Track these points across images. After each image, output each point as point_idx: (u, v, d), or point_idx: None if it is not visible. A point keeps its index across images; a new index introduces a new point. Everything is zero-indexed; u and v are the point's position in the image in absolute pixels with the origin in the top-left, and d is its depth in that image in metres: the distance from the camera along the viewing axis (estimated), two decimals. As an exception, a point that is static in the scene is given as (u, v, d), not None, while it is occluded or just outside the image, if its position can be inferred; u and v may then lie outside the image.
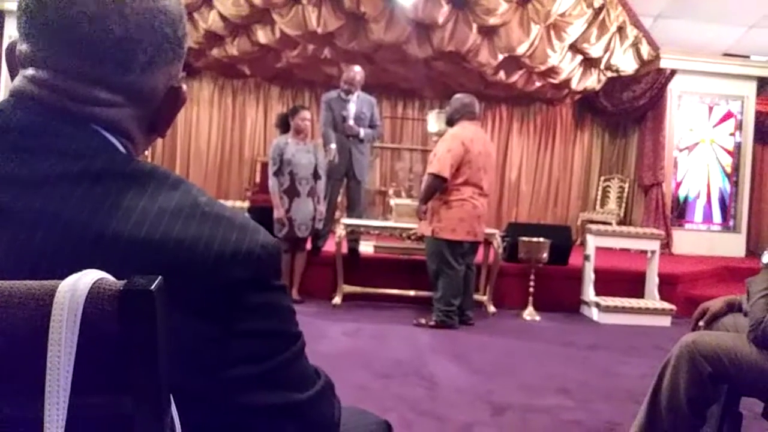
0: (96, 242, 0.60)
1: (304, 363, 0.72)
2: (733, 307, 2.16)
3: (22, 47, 0.70)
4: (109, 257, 0.59)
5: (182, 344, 0.59)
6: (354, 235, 5.43)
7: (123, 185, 0.64)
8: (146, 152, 8.63)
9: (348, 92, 5.45)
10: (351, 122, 5.41)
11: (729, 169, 8.44)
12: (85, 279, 0.52)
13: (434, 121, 5.50)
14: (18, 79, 0.69)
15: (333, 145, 5.32)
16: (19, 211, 0.61)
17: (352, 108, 5.46)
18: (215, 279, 0.62)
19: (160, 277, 0.53)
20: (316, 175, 5.08)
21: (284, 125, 5.18)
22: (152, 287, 0.52)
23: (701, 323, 2.22)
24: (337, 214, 5.91)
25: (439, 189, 4.49)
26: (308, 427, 0.71)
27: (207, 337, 0.62)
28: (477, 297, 5.10)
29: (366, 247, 5.74)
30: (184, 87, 0.78)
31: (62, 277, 0.53)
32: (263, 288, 0.66)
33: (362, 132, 5.46)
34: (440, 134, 4.96)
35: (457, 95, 4.79)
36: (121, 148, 0.70)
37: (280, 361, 0.67)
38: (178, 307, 0.58)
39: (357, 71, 5.54)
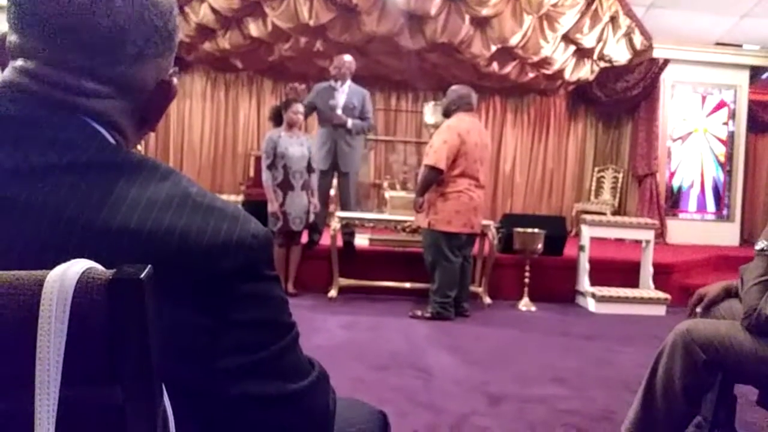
0: (86, 232, 0.59)
1: (298, 353, 0.72)
2: (730, 293, 2.17)
3: (12, 38, 0.70)
4: (99, 247, 0.58)
5: (175, 335, 0.58)
6: (349, 228, 5.40)
7: (113, 175, 0.64)
8: (139, 147, 8.63)
9: (337, 79, 5.40)
10: (339, 111, 5.35)
11: (722, 159, 8.46)
12: (73, 268, 0.52)
13: (431, 113, 5.48)
14: (8, 70, 0.69)
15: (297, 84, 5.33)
16: (7, 202, 0.60)
17: (341, 98, 5.39)
18: (207, 269, 0.62)
19: (149, 266, 0.53)
20: (309, 169, 5.07)
21: (278, 118, 5.15)
22: (141, 276, 0.51)
23: (698, 309, 2.23)
24: (331, 207, 5.87)
25: (435, 181, 4.48)
26: (303, 416, 0.71)
27: (199, 327, 0.61)
28: (472, 288, 5.10)
29: (361, 240, 5.73)
30: (175, 81, 0.77)
31: (52, 267, 0.53)
32: (255, 278, 0.66)
33: (350, 122, 5.36)
34: (437, 126, 4.94)
35: (454, 87, 4.77)
36: (111, 139, 0.70)
37: (273, 350, 0.67)
38: (170, 297, 0.58)
39: (347, 59, 5.49)
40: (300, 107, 5.04)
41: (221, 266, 0.62)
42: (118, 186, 0.63)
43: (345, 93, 5.41)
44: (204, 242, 0.62)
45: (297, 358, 0.72)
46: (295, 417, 0.70)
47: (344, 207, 5.53)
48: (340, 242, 5.28)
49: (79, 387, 0.52)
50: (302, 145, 5.03)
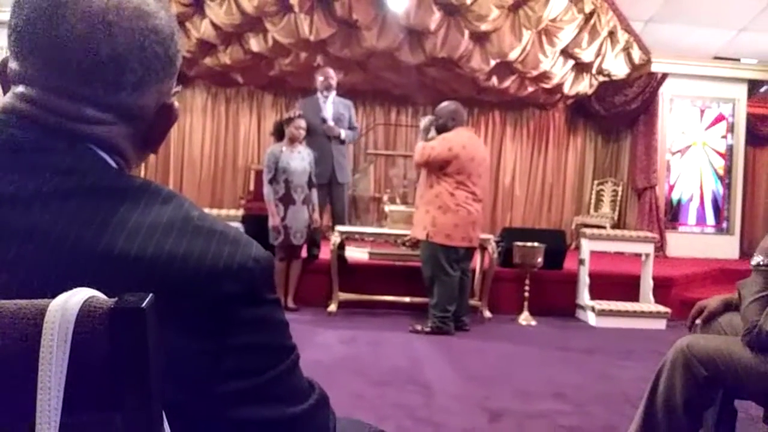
0: (88, 258, 0.60)
1: (299, 376, 0.72)
2: (729, 306, 2.17)
3: (12, 65, 0.70)
4: (101, 273, 0.59)
5: (175, 359, 0.59)
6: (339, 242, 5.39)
7: (114, 200, 0.64)
8: (140, 162, 8.60)
9: (328, 88, 5.46)
10: (331, 123, 5.40)
11: (721, 172, 8.48)
12: (75, 297, 0.52)
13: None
14: (8, 96, 0.69)
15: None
16: (10, 227, 0.61)
17: (329, 108, 5.46)
18: (208, 294, 0.62)
19: (151, 294, 0.53)
20: (310, 183, 5.08)
21: (280, 133, 5.17)
22: (143, 305, 0.51)
23: (698, 322, 2.23)
24: (326, 218, 5.88)
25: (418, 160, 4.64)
26: None
27: (200, 351, 0.62)
28: (472, 302, 5.10)
29: (360, 254, 5.72)
30: (176, 104, 0.78)
31: (54, 293, 0.53)
32: (256, 302, 0.66)
33: (343, 133, 5.45)
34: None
35: (444, 103, 4.82)
36: (113, 164, 0.70)
37: (274, 375, 0.67)
38: (171, 322, 0.58)
39: (332, 72, 5.62)
40: (302, 122, 5.05)
41: (223, 291, 0.63)
42: (120, 211, 0.63)
43: (332, 104, 5.48)
44: (205, 267, 0.62)
45: (297, 381, 0.72)
46: None
47: (340, 219, 5.53)
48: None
49: (80, 415, 0.52)
50: (304, 159, 5.05)
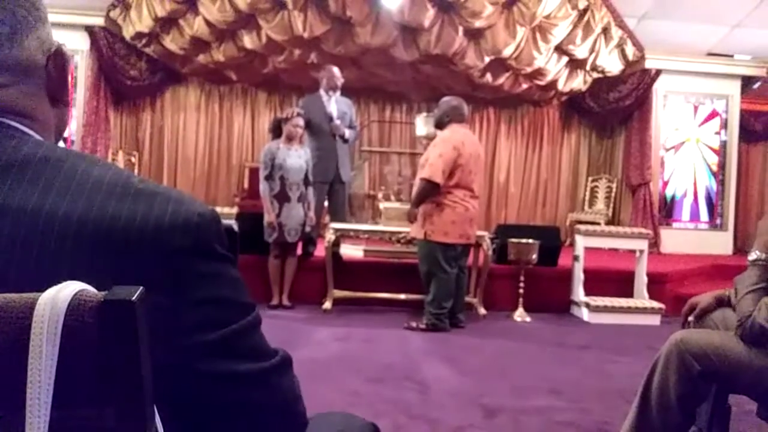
0: (28, 225, 0.59)
1: (261, 336, 0.72)
2: (722, 302, 2.17)
3: None
4: (49, 239, 0.59)
5: None
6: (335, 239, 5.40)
7: (42, 169, 0.63)
8: (133, 159, 8.52)
9: (334, 88, 5.48)
10: (337, 121, 5.40)
11: (715, 168, 8.50)
12: (65, 291, 0.52)
13: (422, 124, 5.49)
14: None
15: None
16: None
17: (333, 107, 5.46)
18: (158, 250, 0.62)
19: (141, 288, 0.53)
20: (306, 181, 5.08)
21: (277, 130, 5.17)
22: (133, 298, 0.51)
23: (691, 318, 2.23)
24: (325, 218, 5.88)
25: (431, 194, 4.48)
26: (273, 395, 0.71)
27: (157, 307, 0.60)
28: (467, 299, 5.10)
29: (355, 252, 5.72)
30: (64, 47, 0.76)
31: (19, 268, 0.55)
32: (208, 256, 0.66)
33: (347, 132, 5.47)
34: (429, 137, 4.97)
35: (446, 98, 4.80)
36: (26, 130, 0.69)
37: (236, 328, 0.67)
38: (124, 281, 0.57)
39: (337, 70, 5.60)
40: (300, 120, 5.07)
41: (171, 245, 0.63)
42: (46, 179, 0.62)
43: (335, 102, 5.48)
44: (150, 225, 0.62)
45: (260, 339, 0.72)
46: (264, 395, 0.70)
47: (340, 217, 5.54)
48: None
49: (71, 409, 0.52)
50: (300, 157, 5.04)
